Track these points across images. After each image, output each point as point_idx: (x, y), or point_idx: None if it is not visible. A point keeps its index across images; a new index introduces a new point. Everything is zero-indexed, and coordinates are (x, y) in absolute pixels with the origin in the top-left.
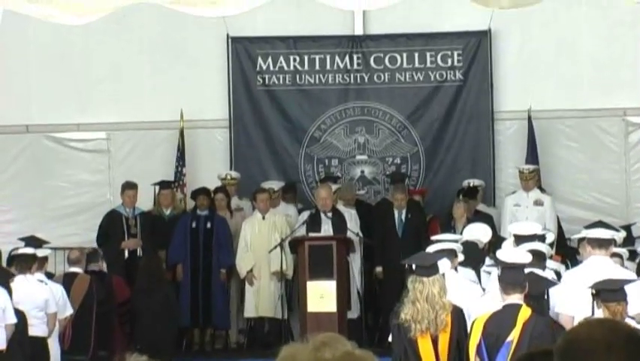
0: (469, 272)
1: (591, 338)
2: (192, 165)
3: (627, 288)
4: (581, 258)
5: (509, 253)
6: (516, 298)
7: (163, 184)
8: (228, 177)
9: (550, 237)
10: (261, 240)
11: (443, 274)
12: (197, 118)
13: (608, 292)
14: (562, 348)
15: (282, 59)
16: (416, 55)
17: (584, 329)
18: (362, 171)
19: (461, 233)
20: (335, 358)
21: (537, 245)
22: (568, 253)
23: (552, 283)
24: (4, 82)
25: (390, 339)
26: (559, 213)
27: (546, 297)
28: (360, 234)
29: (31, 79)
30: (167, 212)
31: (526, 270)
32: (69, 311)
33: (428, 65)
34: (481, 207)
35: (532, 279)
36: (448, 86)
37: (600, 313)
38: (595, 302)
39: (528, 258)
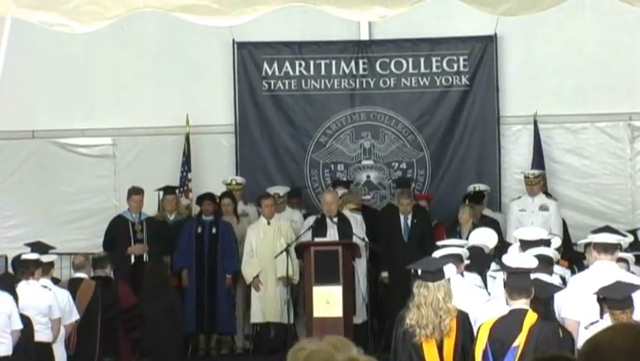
0: (475, 277)
1: (613, 345)
2: (198, 170)
3: (634, 294)
4: (588, 263)
5: (515, 258)
6: (522, 303)
7: (167, 189)
8: (234, 182)
9: (557, 242)
10: (266, 245)
11: (449, 279)
12: (203, 123)
13: (614, 300)
14: (585, 354)
15: (287, 64)
16: (422, 60)
17: (608, 335)
18: (368, 176)
19: (467, 238)
20: None
21: (544, 250)
22: (574, 258)
23: (559, 288)
24: (10, 88)
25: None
26: (564, 218)
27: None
28: (366, 239)
29: (37, 84)
30: (171, 217)
31: (533, 275)
32: (75, 317)
33: (434, 70)
34: (487, 212)
35: (539, 284)
36: (454, 91)
37: (607, 319)
38: (602, 308)
39: (534, 263)
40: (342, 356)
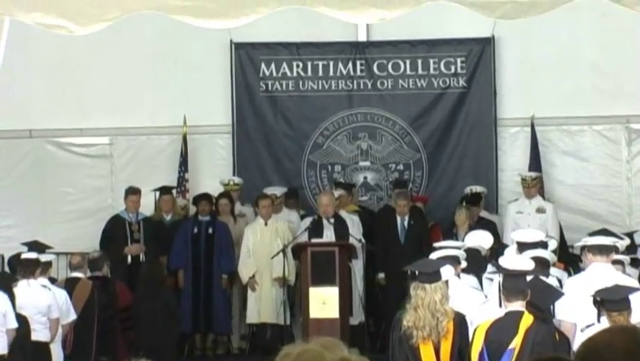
0: (472, 279)
1: (611, 346)
2: (195, 170)
3: (630, 296)
4: (583, 266)
5: (511, 260)
6: (518, 305)
7: (164, 190)
8: (231, 182)
9: (553, 244)
10: (263, 246)
11: (446, 281)
12: (200, 124)
13: (611, 302)
14: (581, 355)
15: (285, 65)
16: (419, 61)
17: (605, 336)
18: (365, 178)
19: (463, 240)
20: None
21: (541, 252)
22: (570, 260)
23: (559, 295)
24: (7, 87)
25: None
26: (561, 220)
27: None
28: (363, 240)
29: (34, 84)
30: (168, 218)
31: (530, 277)
32: (72, 316)
33: (431, 71)
34: (484, 214)
35: (539, 290)
36: (451, 93)
37: (605, 321)
38: (599, 310)
39: (530, 265)
40: (333, 356)
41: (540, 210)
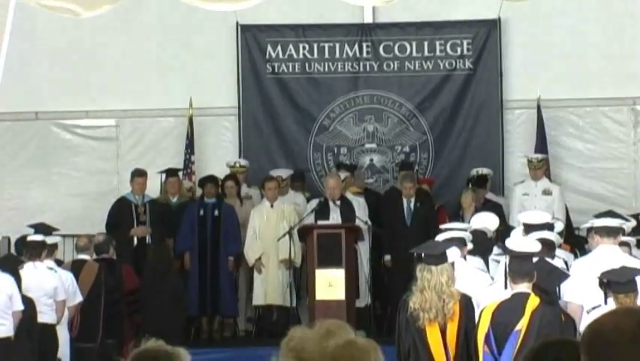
0: (478, 261)
1: (616, 328)
2: (201, 153)
3: (637, 278)
4: (590, 248)
5: (518, 242)
6: (524, 287)
7: (170, 172)
8: (237, 165)
9: (559, 226)
10: (269, 228)
11: (452, 263)
12: (207, 106)
13: (618, 283)
14: (587, 337)
15: (291, 47)
16: (425, 43)
17: (611, 318)
18: (371, 160)
19: (469, 222)
20: (338, 346)
21: (546, 234)
22: (576, 242)
23: (565, 276)
24: (13, 69)
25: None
26: (567, 202)
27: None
28: (369, 222)
29: (40, 66)
30: (174, 200)
31: (535, 259)
32: (78, 299)
33: (437, 53)
34: (490, 196)
35: (545, 272)
36: (458, 75)
37: (611, 303)
38: (605, 292)
39: (537, 247)
40: (339, 340)
41: (546, 192)
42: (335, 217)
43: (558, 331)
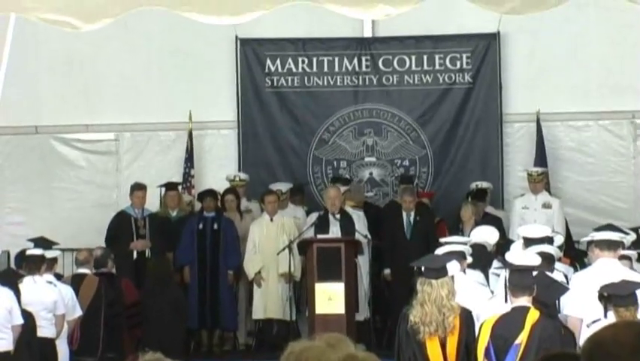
0: (478, 274)
1: (617, 341)
2: (200, 166)
3: (637, 292)
4: (589, 261)
5: (518, 255)
6: (524, 300)
7: (169, 186)
8: (237, 178)
9: (559, 239)
10: (269, 242)
11: (452, 277)
12: (206, 120)
13: (618, 297)
14: (587, 350)
15: (290, 60)
16: (425, 57)
17: (611, 331)
18: (371, 173)
19: (469, 235)
20: (338, 360)
21: (546, 248)
22: (576, 256)
23: (565, 290)
24: (14, 83)
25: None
26: (567, 216)
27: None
28: (369, 236)
29: (41, 80)
30: (174, 213)
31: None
32: (78, 313)
33: (437, 67)
34: (490, 209)
35: (545, 286)
36: (457, 89)
37: (611, 317)
38: (606, 306)
39: (537, 261)
40: (339, 353)
41: (546, 206)
42: (335, 231)
43: (558, 344)
